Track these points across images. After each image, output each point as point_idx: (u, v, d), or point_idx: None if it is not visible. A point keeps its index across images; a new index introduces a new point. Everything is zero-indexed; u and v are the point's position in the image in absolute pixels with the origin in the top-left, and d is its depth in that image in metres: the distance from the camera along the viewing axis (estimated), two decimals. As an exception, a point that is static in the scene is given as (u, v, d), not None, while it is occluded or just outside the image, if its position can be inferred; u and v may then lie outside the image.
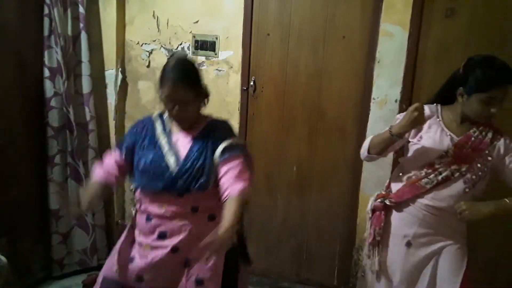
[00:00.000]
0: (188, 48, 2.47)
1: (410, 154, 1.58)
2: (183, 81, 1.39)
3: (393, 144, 1.52)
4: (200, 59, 2.46)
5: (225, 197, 1.35)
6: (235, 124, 2.46)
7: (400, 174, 1.62)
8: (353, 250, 2.37)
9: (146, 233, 1.49)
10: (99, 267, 2.56)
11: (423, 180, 1.50)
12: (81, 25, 2.36)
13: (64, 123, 2.37)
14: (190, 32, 2.45)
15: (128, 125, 2.62)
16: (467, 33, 2.06)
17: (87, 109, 2.46)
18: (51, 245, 2.44)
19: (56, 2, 2.22)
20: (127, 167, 1.56)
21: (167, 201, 1.46)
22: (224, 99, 2.46)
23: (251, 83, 2.40)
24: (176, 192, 1.43)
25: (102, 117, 2.57)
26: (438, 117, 1.55)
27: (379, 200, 1.62)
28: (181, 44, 2.49)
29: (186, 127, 1.49)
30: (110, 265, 1.54)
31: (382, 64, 2.18)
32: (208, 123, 1.52)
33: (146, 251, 1.48)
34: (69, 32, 2.34)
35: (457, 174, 1.48)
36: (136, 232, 1.55)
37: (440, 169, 1.48)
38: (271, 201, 2.51)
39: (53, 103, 2.31)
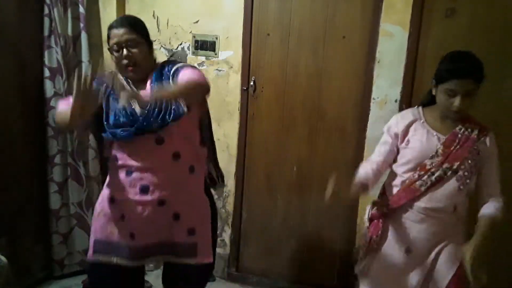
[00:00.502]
0: (188, 48, 2.47)
1: (400, 158, 1.58)
2: (124, 25, 1.46)
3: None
4: (200, 59, 2.46)
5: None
6: (235, 124, 2.47)
7: (393, 179, 1.61)
8: (353, 250, 2.37)
9: (127, 188, 1.48)
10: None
11: (417, 183, 1.50)
12: (81, 25, 2.36)
13: (64, 123, 2.37)
14: (190, 32, 2.45)
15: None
16: (467, 33, 2.06)
17: (87, 109, 2.45)
18: (52, 245, 2.44)
19: (56, 2, 2.23)
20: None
21: (147, 151, 1.46)
22: (224, 99, 2.46)
23: (251, 83, 2.40)
24: (154, 137, 1.44)
25: (102, 117, 2.57)
26: (421, 119, 1.56)
27: (375, 208, 1.61)
28: (181, 44, 2.49)
29: (140, 75, 1.50)
30: (99, 227, 1.56)
31: (382, 64, 2.18)
32: (159, 64, 1.57)
33: (131, 207, 1.49)
34: (69, 32, 2.34)
35: (449, 173, 1.48)
36: (114, 190, 1.53)
37: (433, 170, 1.48)
38: (271, 201, 2.51)
39: (53, 103, 2.31)
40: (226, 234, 2.62)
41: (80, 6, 2.34)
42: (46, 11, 2.23)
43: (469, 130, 1.51)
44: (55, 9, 2.23)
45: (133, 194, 1.48)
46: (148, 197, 1.47)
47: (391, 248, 1.58)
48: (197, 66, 1.53)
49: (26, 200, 2.32)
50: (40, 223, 2.40)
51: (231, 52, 2.41)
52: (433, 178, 1.48)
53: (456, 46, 2.06)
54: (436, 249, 1.53)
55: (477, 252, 1.39)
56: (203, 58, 2.46)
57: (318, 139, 2.38)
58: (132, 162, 1.48)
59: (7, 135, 2.17)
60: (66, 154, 2.41)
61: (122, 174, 1.50)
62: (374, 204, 1.63)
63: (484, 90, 2.10)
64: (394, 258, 1.57)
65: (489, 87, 2.10)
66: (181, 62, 1.59)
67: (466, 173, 1.48)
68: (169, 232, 1.53)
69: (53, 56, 2.28)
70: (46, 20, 2.24)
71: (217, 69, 2.45)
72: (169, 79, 1.48)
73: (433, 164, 1.48)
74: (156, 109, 1.42)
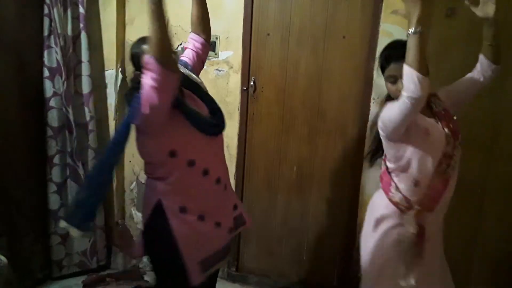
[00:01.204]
0: (188, 48, 2.47)
1: (424, 150, 1.46)
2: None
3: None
4: (200, 59, 2.46)
5: None
6: (235, 124, 2.46)
7: (415, 182, 1.50)
8: (353, 250, 2.37)
9: (223, 208, 1.51)
10: (98, 269, 2.58)
11: (446, 173, 1.47)
12: (81, 25, 2.36)
13: (64, 123, 2.37)
14: (190, 32, 2.44)
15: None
16: (467, 32, 2.07)
17: (86, 109, 2.45)
18: (50, 246, 2.43)
19: (56, 2, 2.22)
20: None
21: (221, 148, 1.51)
22: (224, 99, 2.46)
23: (251, 83, 2.40)
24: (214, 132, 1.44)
25: (102, 117, 2.56)
26: None
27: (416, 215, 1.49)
28: (181, 44, 2.48)
29: None
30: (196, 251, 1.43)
31: (382, 64, 2.18)
32: None
33: (222, 232, 1.50)
34: (69, 32, 2.34)
35: (459, 148, 1.49)
36: (200, 205, 1.42)
37: (451, 153, 1.46)
38: (271, 201, 2.51)
39: (52, 103, 2.30)
40: (226, 235, 2.62)
41: (80, 6, 2.33)
42: (46, 11, 2.23)
43: (437, 102, 1.53)
44: (55, 9, 2.22)
45: (229, 218, 1.53)
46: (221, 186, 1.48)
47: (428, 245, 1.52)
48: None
49: (25, 200, 2.32)
50: (39, 223, 2.39)
51: (231, 52, 2.40)
52: (453, 161, 1.46)
53: (456, 45, 2.09)
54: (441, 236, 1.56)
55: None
56: (203, 58, 2.46)
57: (318, 139, 2.38)
58: (212, 165, 1.43)
59: (6, 135, 2.16)
60: (65, 154, 2.40)
61: (210, 184, 1.42)
62: (416, 216, 1.48)
63: (485, 89, 2.11)
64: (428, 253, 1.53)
65: (490, 86, 2.10)
66: None
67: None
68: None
69: (52, 56, 2.27)
70: (46, 20, 2.23)
71: (217, 69, 2.44)
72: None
73: (450, 148, 1.46)
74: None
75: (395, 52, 1.44)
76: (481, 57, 1.58)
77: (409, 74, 1.30)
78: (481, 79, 1.58)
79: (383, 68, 1.50)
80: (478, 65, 1.58)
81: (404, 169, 1.50)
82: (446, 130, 1.48)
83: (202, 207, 1.41)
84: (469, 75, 1.60)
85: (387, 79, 1.49)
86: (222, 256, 1.53)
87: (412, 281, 1.47)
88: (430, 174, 1.47)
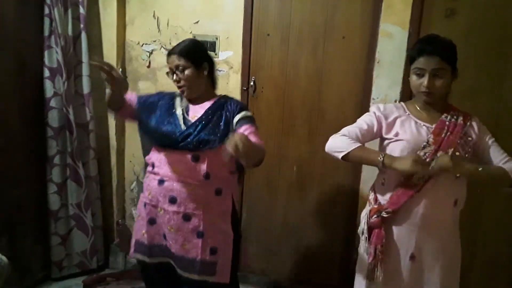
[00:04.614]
0: (188, 48, 2.48)
1: (390, 153, 1.49)
2: (175, 51, 1.60)
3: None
4: (200, 59, 2.47)
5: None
6: (235, 124, 2.47)
7: (383, 180, 1.56)
8: (353, 250, 2.37)
9: (158, 197, 1.61)
10: (98, 269, 2.58)
11: (414, 177, 1.44)
12: (82, 25, 2.36)
13: (64, 124, 2.37)
14: (191, 32, 2.45)
15: (128, 125, 2.62)
16: (466, 33, 2.07)
17: (87, 110, 2.46)
18: (50, 246, 2.43)
19: (56, 2, 2.23)
20: (132, 114, 1.70)
21: (181, 163, 1.58)
22: (224, 99, 2.46)
23: (251, 83, 2.40)
24: (190, 153, 1.56)
25: (102, 117, 2.56)
26: (406, 112, 1.56)
27: (374, 216, 1.51)
28: (181, 44, 2.49)
29: (192, 97, 1.65)
30: (138, 229, 1.70)
31: (382, 64, 2.18)
32: (220, 97, 1.72)
33: (160, 214, 1.63)
34: (70, 33, 2.34)
35: None
36: (147, 195, 1.65)
37: (427, 160, 1.42)
38: (271, 201, 2.51)
39: (53, 103, 2.30)
40: (226, 235, 2.63)
41: (80, 6, 2.34)
42: (47, 11, 2.23)
43: (455, 117, 1.51)
44: (55, 9, 2.23)
45: (162, 202, 1.61)
46: (174, 208, 1.58)
47: (396, 255, 1.51)
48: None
49: (25, 201, 2.32)
50: (39, 224, 2.39)
51: (231, 52, 2.41)
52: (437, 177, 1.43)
53: (456, 46, 2.09)
54: (442, 258, 1.48)
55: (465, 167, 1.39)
56: (203, 59, 2.46)
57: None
58: (165, 172, 1.60)
59: (7, 135, 2.16)
60: (66, 154, 2.40)
61: (155, 182, 1.62)
62: (372, 211, 1.53)
63: (483, 90, 2.13)
64: (399, 266, 1.51)
65: (488, 87, 2.12)
66: (241, 104, 1.69)
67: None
68: (192, 249, 1.61)
69: (53, 56, 2.28)
70: (47, 20, 2.24)
71: (217, 69, 2.44)
72: (230, 118, 1.61)
73: (427, 154, 1.44)
74: (197, 131, 1.56)
75: (429, 46, 1.45)
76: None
77: (338, 146, 1.54)
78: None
79: (412, 60, 1.49)
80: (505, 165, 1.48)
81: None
82: (430, 138, 1.46)
83: (147, 196, 1.66)
84: (495, 159, 1.50)
85: (413, 71, 1.48)
86: (145, 251, 1.67)
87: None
88: (396, 176, 1.48)
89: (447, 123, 1.49)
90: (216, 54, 2.42)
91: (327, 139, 2.36)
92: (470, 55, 2.09)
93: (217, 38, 2.41)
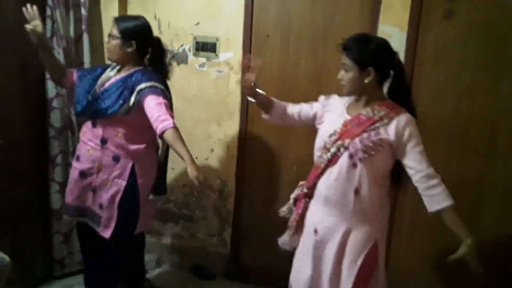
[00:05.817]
0: (189, 49, 2.50)
1: (316, 139, 1.66)
2: (116, 19, 1.88)
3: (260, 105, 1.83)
4: (201, 60, 2.49)
5: (161, 130, 1.66)
6: (235, 124, 2.49)
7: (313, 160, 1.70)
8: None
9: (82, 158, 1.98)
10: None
11: (318, 160, 1.59)
12: (83, 26, 2.38)
13: (66, 124, 2.39)
14: (191, 33, 2.47)
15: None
16: (465, 34, 2.09)
17: (88, 110, 2.47)
18: (52, 245, 2.45)
19: (58, 3, 2.25)
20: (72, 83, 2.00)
21: (85, 127, 1.94)
22: (224, 100, 2.48)
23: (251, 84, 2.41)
24: (91, 117, 1.88)
25: (103, 117, 2.58)
26: (344, 105, 1.64)
27: (299, 189, 1.71)
28: (182, 45, 2.51)
29: (114, 60, 1.90)
30: (68, 193, 2.01)
31: (381, 65, 2.19)
32: (138, 69, 1.87)
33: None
34: (71, 34, 2.36)
35: (342, 150, 1.51)
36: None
37: (329, 147, 1.54)
38: (271, 200, 2.52)
39: (54, 103, 2.33)
40: (226, 233, 2.64)
41: (82, 8, 2.35)
42: (48, 12, 2.25)
43: (375, 112, 1.51)
44: (57, 11, 2.25)
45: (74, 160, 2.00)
46: (76, 164, 1.95)
47: (308, 227, 1.67)
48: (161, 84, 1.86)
49: (27, 200, 2.34)
50: (41, 223, 2.42)
51: (231, 53, 2.43)
52: (329, 154, 1.53)
53: (454, 47, 2.11)
54: (340, 235, 1.55)
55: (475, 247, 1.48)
56: (203, 60, 2.48)
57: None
58: (81, 134, 1.97)
59: (9, 135, 2.18)
60: (68, 154, 2.42)
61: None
62: (298, 185, 1.73)
63: (481, 91, 2.14)
64: (307, 237, 1.67)
65: (486, 87, 2.13)
66: (149, 78, 1.82)
67: (359, 152, 1.47)
68: (87, 201, 1.97)
69: (55, 57, 2.30)
70: (48, 22, 2.26)
71: (217, 70, 2.47)
72: (131, 91, 1.79)
73: (331, 142, 1.54)
74: (99, 100, 1.81)
75: (345, 42, 1.55)
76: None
77: None
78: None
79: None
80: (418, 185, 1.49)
81: None
82: (339, 127, 1.54)
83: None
84: (411, 171, 1.49)
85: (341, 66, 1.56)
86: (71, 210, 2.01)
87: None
88: (315, 155, 1.65)
89: (362, 116, 1.52)
90: (216, 55, 2.44)
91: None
92: (468, 56, 2.11)
93: (217, 39, 2.43)
